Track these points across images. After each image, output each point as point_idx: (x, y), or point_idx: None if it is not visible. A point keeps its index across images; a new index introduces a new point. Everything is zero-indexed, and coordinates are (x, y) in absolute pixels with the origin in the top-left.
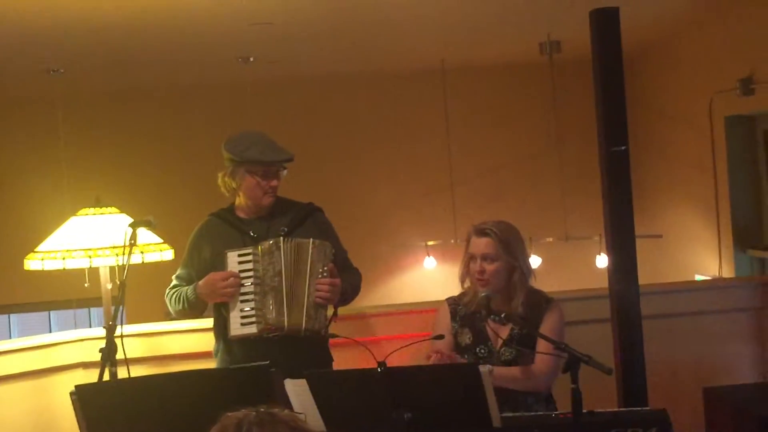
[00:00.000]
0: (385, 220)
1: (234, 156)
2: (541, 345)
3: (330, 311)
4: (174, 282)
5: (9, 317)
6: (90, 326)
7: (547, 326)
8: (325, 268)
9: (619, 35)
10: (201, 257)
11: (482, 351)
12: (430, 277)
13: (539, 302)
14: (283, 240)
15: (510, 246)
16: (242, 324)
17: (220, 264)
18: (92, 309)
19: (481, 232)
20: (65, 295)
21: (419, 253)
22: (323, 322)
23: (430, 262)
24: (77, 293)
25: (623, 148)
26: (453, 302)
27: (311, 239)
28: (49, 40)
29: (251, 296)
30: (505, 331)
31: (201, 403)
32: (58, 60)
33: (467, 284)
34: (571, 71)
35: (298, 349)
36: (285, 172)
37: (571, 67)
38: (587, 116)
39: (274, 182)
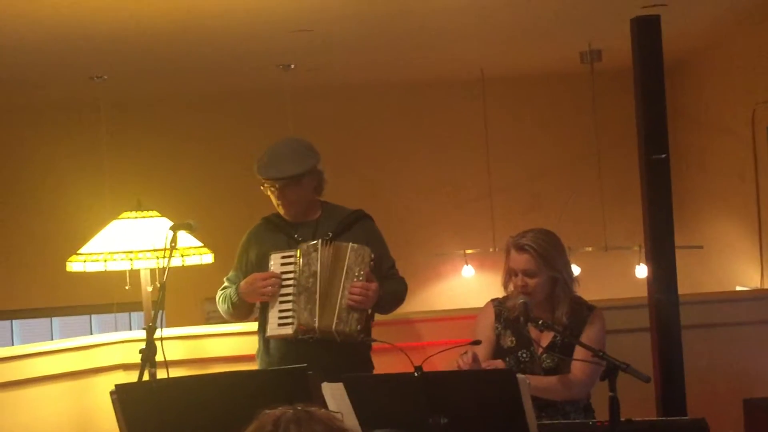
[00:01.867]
0: (423, 229)
1: (254, 168)
2: (578, 352)
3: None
4: (224, 284)
5: (51, 320)
6: (130, 330)
7: (588, 335)
8: (362, 273)
9: (660, 43)
10: (248, 259)
11: (524, 355)
12: (468, 286)
13: (581, 310)
14: (322, 243)
15: (550, 259)
16: (279, 324)
17: (264, 265)
18: (132, 313)
19: (520, 247)
20: (106, 298)
21: (457, 261)
22: (355, 326)
23: (468, 271)
24: (118, 297)
25: (663, 156)
26: (498, 303)
27: (350, 243)
28: (93, 47)
29: (290, 297)
30: (546, 338)
31: (238, 404)
32: (102, 67)
33: (510, 288)
34: (611, 80)
35: (336, 353)
36: (299, 186)
37: (611, 75)
38: (628, 125)
39: (279, 197)
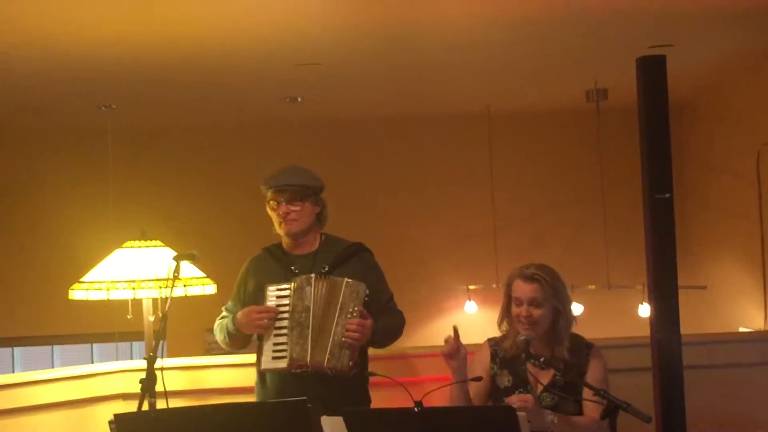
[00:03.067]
0: (427, 263)
1: (262, 183)
2: (588, 393)
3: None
4: (223, 313)
5: (52, 348)
6: (131, 359)
7: (593, 374)
8: (356, 309)
9: (665, 83)
10: (246, 290)
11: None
12: (470, 321)
13: (579, 347)
14: (316, 277)
15: (557, 291)
16: (273, 358)
17: (261, 297)
18: (134, 343)
19: (529, 277)
20: (108, 328)
21: (460, 296)
22: (346, 362)
23: (471, 306)
24: (120, 326)
25: (667, 195)
26: (494, 343)
27: (345, 279)
28: (102, 76)
29: (285, 331)
30: (545, 376)
31: None
32: (110, 96)
33: (504, 327)
34: (617, 118)
35: (332, 386)
36: (306, 202)
37: (617, 114)
38: (632, 164)
39: (284, 208)
